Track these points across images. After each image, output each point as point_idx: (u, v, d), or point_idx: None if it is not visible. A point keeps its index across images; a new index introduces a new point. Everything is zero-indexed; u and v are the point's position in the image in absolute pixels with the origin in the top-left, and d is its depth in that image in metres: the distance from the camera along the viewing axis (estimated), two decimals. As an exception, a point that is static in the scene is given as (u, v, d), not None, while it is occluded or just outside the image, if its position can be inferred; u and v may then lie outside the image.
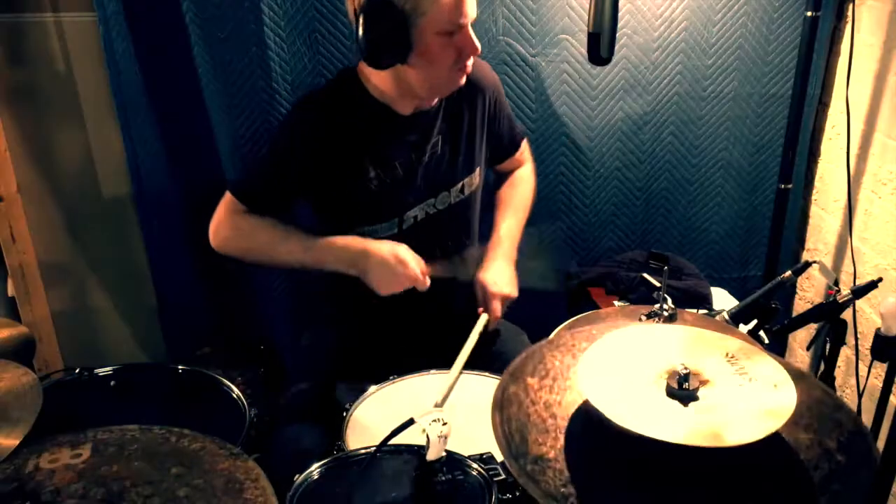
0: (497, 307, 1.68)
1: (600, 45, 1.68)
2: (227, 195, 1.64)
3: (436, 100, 1.65)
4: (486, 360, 1.67)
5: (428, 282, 1.58)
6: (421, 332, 1.75)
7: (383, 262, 1.55)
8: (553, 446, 1.07)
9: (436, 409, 1.17)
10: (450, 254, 1.72)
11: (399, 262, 1.55)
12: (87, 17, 2.03)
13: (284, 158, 1.61)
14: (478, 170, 1.74)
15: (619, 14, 1.87)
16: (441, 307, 1.73)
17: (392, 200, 1.64)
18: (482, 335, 1.62)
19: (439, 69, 1.52)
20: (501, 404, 1.14)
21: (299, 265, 1.63)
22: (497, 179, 1.91)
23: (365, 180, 1.61)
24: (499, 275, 1.72)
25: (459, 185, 1.70)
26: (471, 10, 1.49)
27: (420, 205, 1.67)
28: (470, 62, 1.55)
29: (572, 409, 1.14)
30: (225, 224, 1.64)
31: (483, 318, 1.65)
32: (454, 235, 1.75)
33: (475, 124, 1.72)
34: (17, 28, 2.06)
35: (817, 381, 1.25)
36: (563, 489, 1.01)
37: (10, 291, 2.25)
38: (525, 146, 1.94)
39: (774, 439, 1.08)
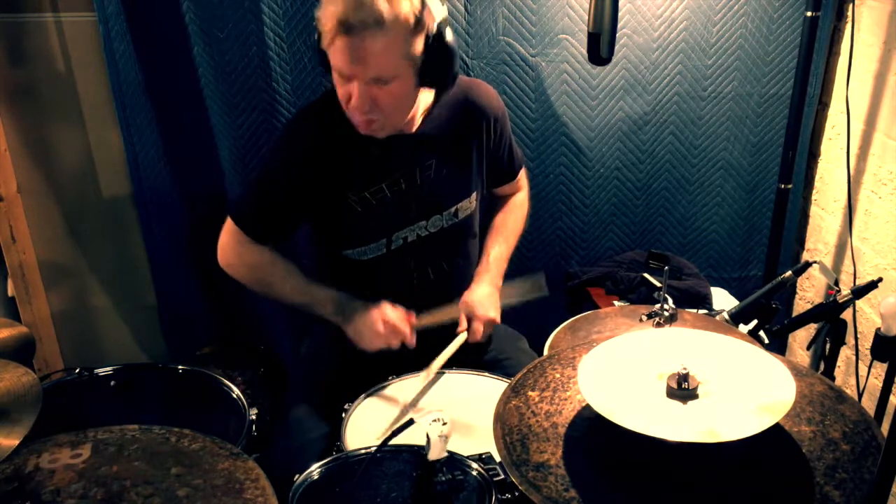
0: (479, 328, 1.68)
1: (600, 45, 1.68)
2: (230, 220, 1.65)
3: (415, 124, 1.62)
4: (485, 365, 1.68)
5: (414, 340, 1.58)
6: (420, 338, 1.75)
7: (371, 324, 1.56)
8: (554, 453, 1.08)
9: (436, 410, 1.17)
10: (444, 274, 1.72)
11: (386, 324, 1.56)
12: (87, 17, 2.03)
13: (276, 184, 1.61)
14: (474, 194, 1.72)
15: (619, 14, 1.88)
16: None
17: (379, 221, 1.63)
18: (465, 346, 1.66)
19: (342, 104, 1.51)
20: (503, 417, 1.15)
21: (292, 305, 1.67)
22: (492, 203, 1.90)
23: (351, 201, 1.61)
24: (484, 298, 1.72)
25: (453, 209, 1.69)
26: (360, 70, 1.41)
27: (410, 226, 1.66)
28: (360, 115, 1.49)
29: (572, 417, 1.15)
30: (229, 250, 1.66)
31: (461, 338, 1.67)
32: (448, 257, 1.74)
33: (474, 150, 1.70)
34: (17, 28, 2.06)
35: (820, 375, 1.25)
36: (564, 493, 1.01)
37: (10, 291, 2.25)
38: (523, 173, 1.93)
39: (777, 434, 1.09)
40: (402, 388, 1.59)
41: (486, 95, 1.71)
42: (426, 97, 1.62)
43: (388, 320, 1.56)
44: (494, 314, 1.71)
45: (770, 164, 2.26)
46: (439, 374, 1.62)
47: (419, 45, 1.42)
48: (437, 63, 1.46)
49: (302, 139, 1.59)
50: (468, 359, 1.68)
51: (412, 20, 1.39)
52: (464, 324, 1.69)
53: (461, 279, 1.77)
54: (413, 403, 1.53)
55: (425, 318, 1.60)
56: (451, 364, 1.63)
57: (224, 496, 1.10)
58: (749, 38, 2.12)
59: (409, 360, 1.65)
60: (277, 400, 2.10)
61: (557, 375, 1.26)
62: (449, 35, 1.45)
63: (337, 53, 1.41)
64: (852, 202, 2.07)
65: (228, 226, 1.65)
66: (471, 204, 1.72)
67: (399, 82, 1.45)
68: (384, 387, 1.58)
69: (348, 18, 1.35)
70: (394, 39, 1.38)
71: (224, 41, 1.98)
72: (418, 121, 1.62)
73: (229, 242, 1.66)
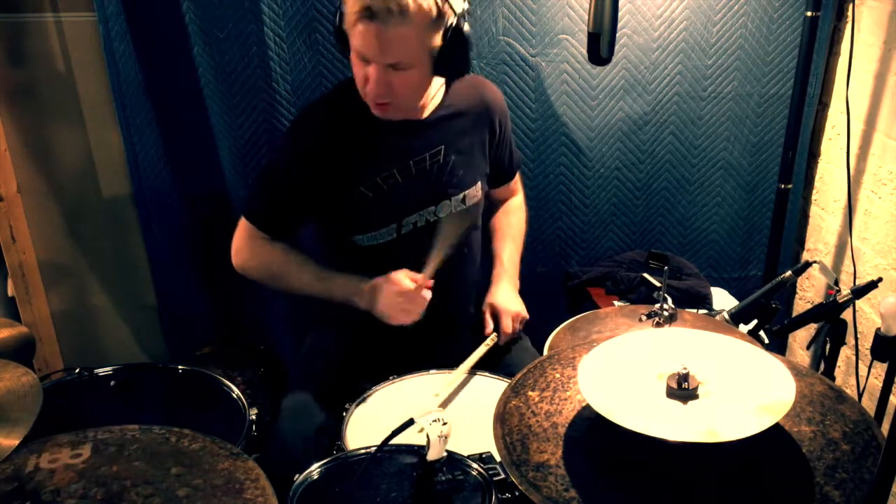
0: (508, 323, 1.74)
1: (600, 45, 1.68)
2: (243, 219, 1.67)
3: (426, 112, 1.64)
4: (487, 364, 1.68)
5: (428, 295, 1.59)
6: (421, 334, 1.75)
7: (385, 292, 1.57)
8: (554, 453, 1.08)
9: (436, 410, 1.17)
10: (451, 260, 1.73)
11: (398, 286, 1.55)
12: (87, 17, 2.03)
13: (283, 184, 1.62)
14: (480, 184, 1.75)
15: (619, 14, 1.87)
16: (439, 308, 1.74)
17: (390, 207, 1.64)
18: (491, 350, 1.69)
19: (358, 84, 1.53)
20: (503, 417, 1.15)
21: (310, 294, 1.67)
22: (490, 209, 1.92)
23: (362, 187, 1.62)
24: (507, 296, 1.79)
25: (461, 195, 1.71)
26: (379, 55, 1.44)
27: (420, 211, 1.67)
28: (375, 97, 1.51)
29: (572, 417, 1.15)
30: (244, 249, 1.69)
31: (490, 339, 1.72)
32: (455, 244, 1.75)
33: (479, 141, 1.73)
34: (17, 28, 2.06)
35: (820, 375, 1.25)
36: (564, 493, 1.01)
37: (10, 291, 2.25)
38: (518, 179, 1.96)
39: (777, 434, 1.09)
40: (403, 387, 1.59)
41: (494, 93, 1.77)
42: (437, 84, 1.65)
43: (399, 284, 1.56)
44: (520, 308, 1.78)
45: (770, 164, 2.26)
46: (439, 374, 1.62)
47: (438, 36, 1.46)
48: (453, 54, 1.50)
49: (307, 138, 1.61)
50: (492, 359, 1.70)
51: (434, 13, 1.43)
52: (491, 325, 1.74)
53: (466, 266, 1.80)
54: (413, 403, 1.53)
55: (431, 266, 1.58)
56: (452, 365, 1.64)
57: (224, 496, 1.10)
58: (749, 38, 2.12)
59: (409, 359, 1.66)
60: (277, 400, 2.10)
61: (557, 375, 1.26)
62: (466, 27, 1.49)
63: (358, 37, 1.44)
64: (852, 202, 2.07)
65: (243, 226, 1.67)
66: (477, 192, 1.74)
67: (415, 70, 1.49)
68: (385, 386, 1.58)
69: (374, 5, 1.38)
70: (415, 30, 1.42)
71: (224, 41, 1.98)
72: (430, 108, 1.65)
73: (244, 242, 1.68)
